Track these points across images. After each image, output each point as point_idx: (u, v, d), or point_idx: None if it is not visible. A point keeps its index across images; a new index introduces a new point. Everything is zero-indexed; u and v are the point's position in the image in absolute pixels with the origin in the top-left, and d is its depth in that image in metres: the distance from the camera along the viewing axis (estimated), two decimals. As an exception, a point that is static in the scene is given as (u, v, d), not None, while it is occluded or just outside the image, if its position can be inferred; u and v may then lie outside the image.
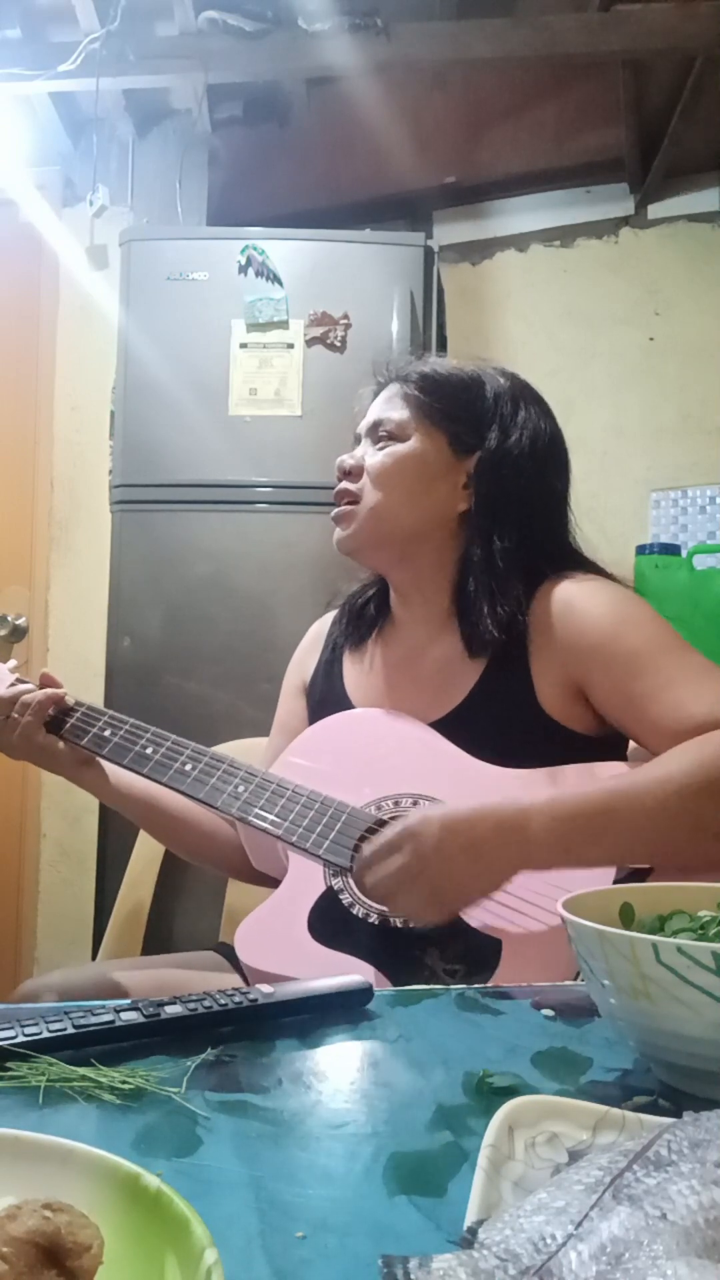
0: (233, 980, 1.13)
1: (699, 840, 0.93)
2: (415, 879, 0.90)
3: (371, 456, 1.17)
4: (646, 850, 0.95)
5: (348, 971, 0.89)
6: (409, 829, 0.91)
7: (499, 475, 1.14)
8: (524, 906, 0.96)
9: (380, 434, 1.18)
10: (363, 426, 1.21)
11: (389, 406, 1.19)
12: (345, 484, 1.18)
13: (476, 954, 0.95)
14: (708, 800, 0.92)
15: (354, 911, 1.01)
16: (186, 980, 1.16)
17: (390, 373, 1.22)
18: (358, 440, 1.22)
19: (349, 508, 1.17)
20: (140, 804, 1.22)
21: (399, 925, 0.99)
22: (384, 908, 1.00)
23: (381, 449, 1.17)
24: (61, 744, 1.17)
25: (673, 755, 0.95)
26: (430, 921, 0.94)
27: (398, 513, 1.15)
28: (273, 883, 1.10)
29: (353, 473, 1.18)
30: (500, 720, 1.09)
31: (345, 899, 1.02)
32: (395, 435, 1.16)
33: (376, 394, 1.23)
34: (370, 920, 1.00)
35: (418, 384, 1.18)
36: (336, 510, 1.18)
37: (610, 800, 0.93)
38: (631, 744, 1.10)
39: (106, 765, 1.19)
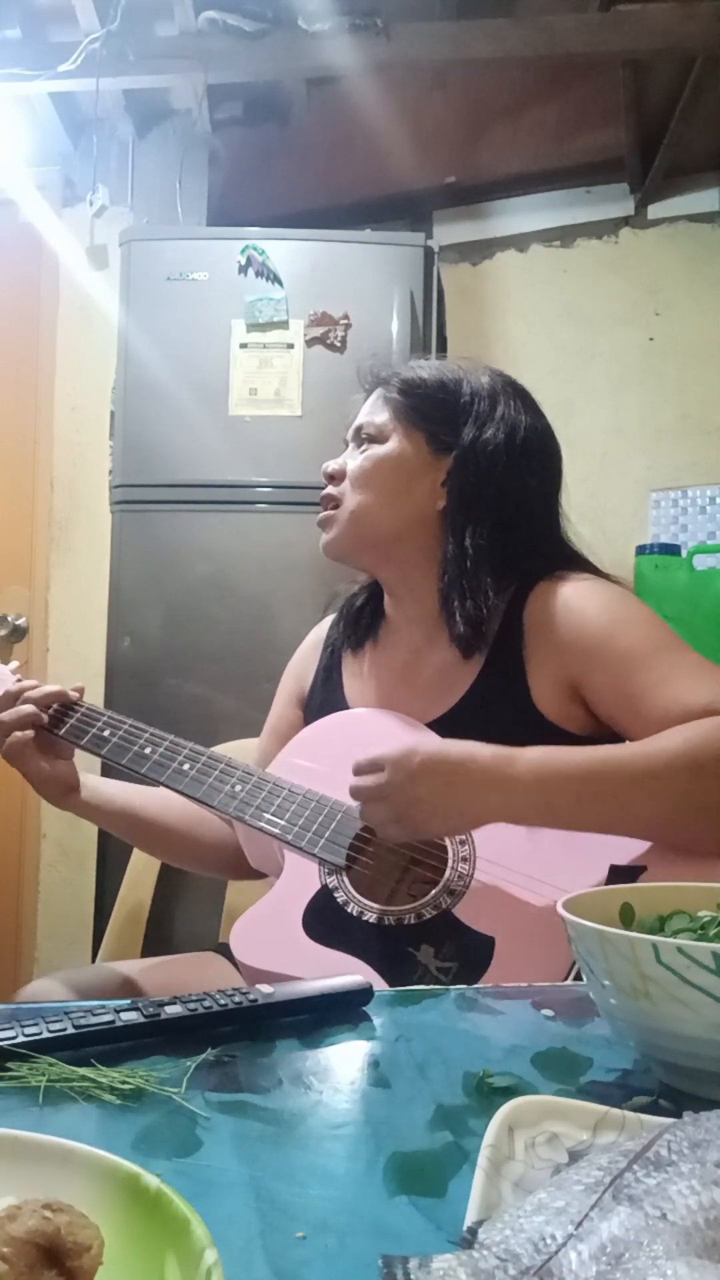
0: (234, 981, 1.13)
1: (685, 815, 0.94)
2: (385, 798, 0.95)
3: (353, 459, 1.20)
4: (632, 820, 0.96)
5: (342, 969, 0.90)
6: (396, 754, 0.96)
7: (472, 472, 1.15)
8: (516, 901, 0.97)
9: (362, 437, 1.20)
10: (349, 432, 1.23)
11: (371, 411, 1.21)
12: (329, 489, 1.20)
13: (470, 952, 0.96)
14: (697, 776, 0.93)
15: (349, 910, 1.01)
16: (193, 981, 1.16)
17: (374, 378, 1.24)
18: (346, 446, 1.24)
19: (331, 512, 1.20)
20: (123, 819, 1.23)
21: (393, 924, 0.99)
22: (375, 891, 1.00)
23: (362, 452, 1.19)
24: (48, 766, 1.16)
25: (666, 733, 0.97)
26: (393, 839, 1.00)
27: (377, 514, 1.16)
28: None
29: (335, 477, 1.20)
30: (496, 721, 1.09)
31: (340, 897, 1.02)
32: (375, 438, 1.18)
33: (365, 400, 1.24)
34: (365, 918, 1.00)
35: (397, 387, 1.20)
36: (320, 515, 1.21)
37: (599, 765, 0.95)
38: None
39: (86, 788, 1.19)
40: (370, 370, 1.26)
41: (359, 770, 0.98)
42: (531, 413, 1.20)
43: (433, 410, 1.17)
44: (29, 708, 1.15)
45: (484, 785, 0.95)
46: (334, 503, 1.20)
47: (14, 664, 1.24)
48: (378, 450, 1.17)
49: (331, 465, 1.21)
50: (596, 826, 0.97)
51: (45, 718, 1.16)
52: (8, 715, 1.14)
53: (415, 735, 1.11)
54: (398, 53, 2.43)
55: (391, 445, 1.17)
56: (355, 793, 0.98)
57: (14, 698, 1.16)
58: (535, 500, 1.18)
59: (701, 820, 0.94)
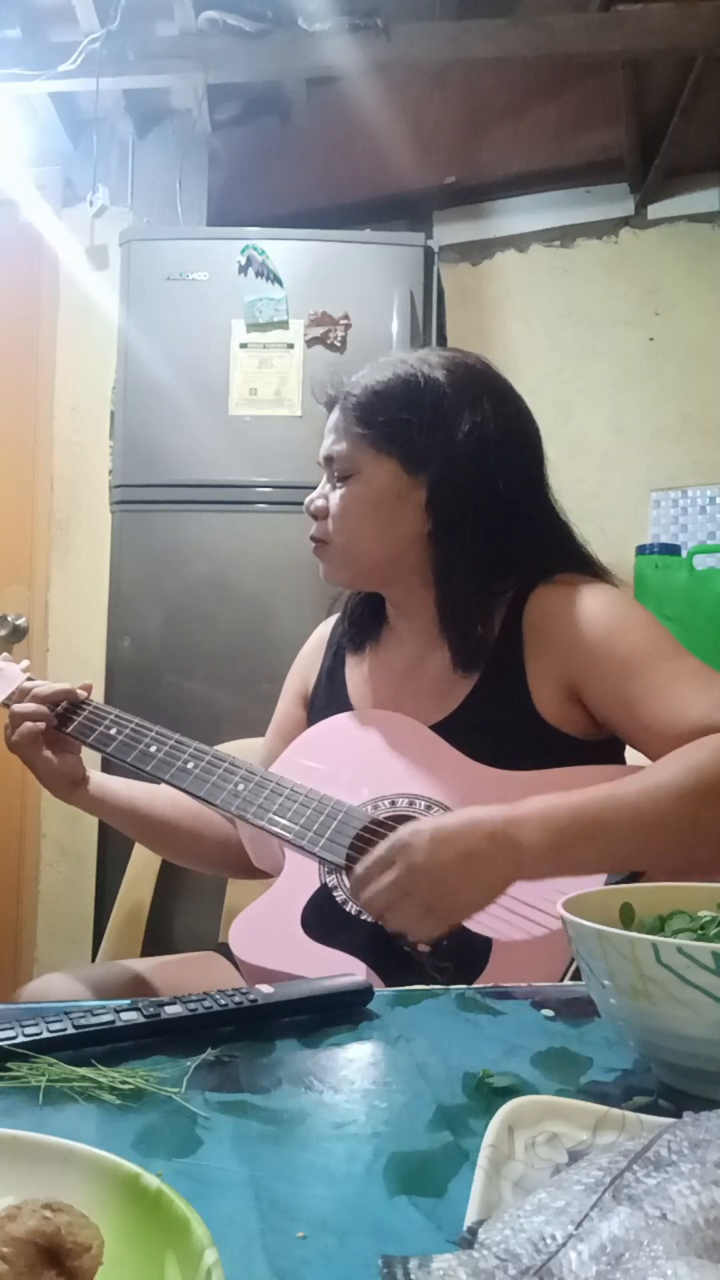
0: (235, 981, 1.13)
1: (693, 846, 0.93)
2: (409, 893, 0.89)
3: (332, 497, 1.16)
4: (641, 857, 0.95)
5: (340, 967, 0.89)
6: (400, 842, 0.90)
7: (450, 494, 1.11)
8: (519, 908, 0.96)
9: (334, 472, 1.16)
10: (320, 456, 1.18)
11: (335, 439, 1.16)
12: (315, 530, 1.17)
13: (467, 952, 0.96)
14: (702, 806, 0.92)
15: (347, 908, 1.02)
16: (193, 980, 1.16)
17: (330, 396, 1.18)
18: (323, 470, 1.19)
19: (323, 546, 1.17)
20: (127, 814, 1.24)
21: None
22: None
23: (338, 489, 1.15)
24: (56, 760, 1.17)
25: (667, 761, 0.95)
26: (426, 936, 0.93)
27: (366, 548, 1.14)
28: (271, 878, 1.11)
29: (318, 515, 1.17)
30: (496, 725, 1.09)
31: (339, 896, 1.02)
32: (346, 472, 1.14)
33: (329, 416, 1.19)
34: (363, 917, 1.00)
35: (355, 413, 1.14)
36: (313, 548, 1.19)
37: (604, 808, 0.92)
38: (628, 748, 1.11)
39: (93, 783, 1.21)
40: (326, 386, 1.19)
41: (366, 878, 0.91)
42: (496, 399, 1.14)
43: (397, 433, 1.12)
44: (37, 705, 1.17)
45: (495, 848, 0.90)
46: (323, 539, 1.17)
47: (25, 663, 1.25)
48: (354, 488, 1.13)
49: (315, 504, 1.17)
50: (607, 868, 0.95)
51: (54, 716, 1.18)
52: (19, 708, 1.16)
53: (417, 739, 1.11)
54: (398, 53, 2.43)
55: (365, 480, 1.13)
56: (372, 903, 0.91)
57: (24, 694, 1.18)
58: (520, 502, 1.14)
59: (706, 846, 0.93)
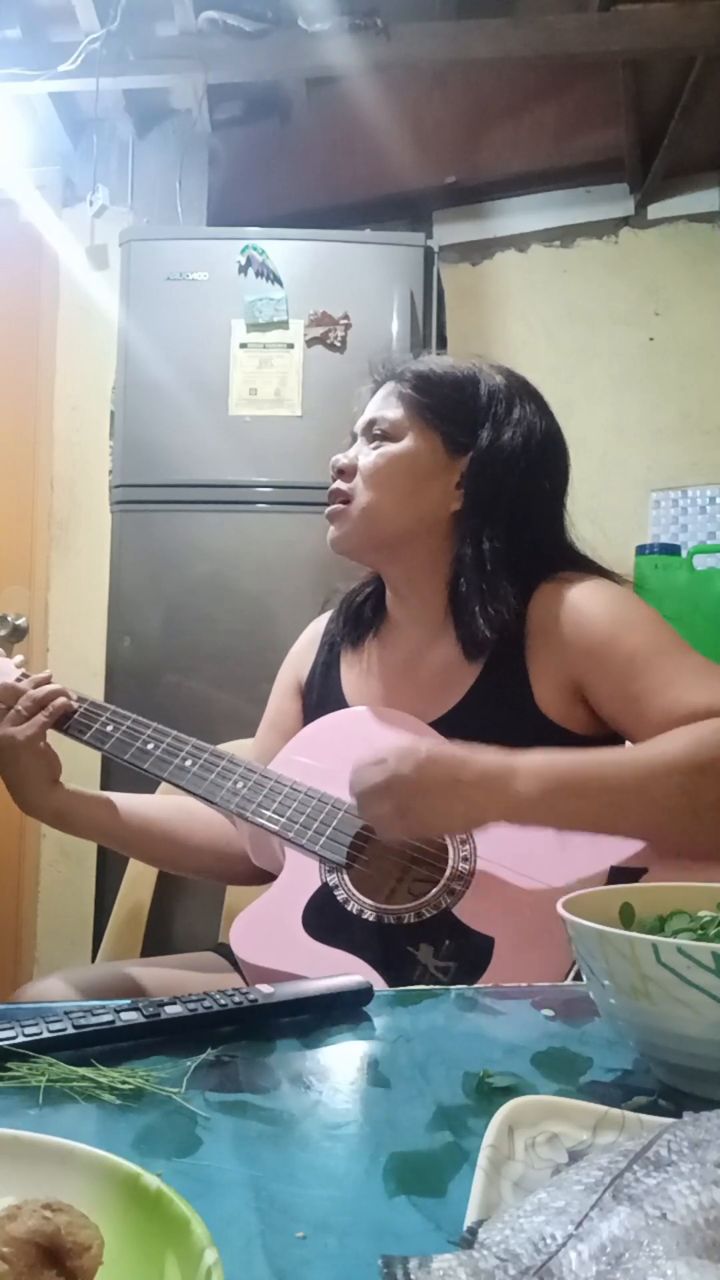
0: (234, 981, 1.13)
1: (686, 817, 0.94)
2: (386, 793, 0.95)
3: (365, 456, 1.17)
4: (633, 822, 0.96)
5: (341, 967, 0.90)
6: (400, 749, 0.96)
7: (490, 475, 1.14)
8: (516, 902, 0.97)
9: (375, 433, 1.18)
10: (359, 425, 1.21)
11: (384, 405, 1.19)
12: (339, 483, 1.18)
13: (469, 951, 0.96)
14: (698, 777, 0.93)
15: (348, 908, 1.01)
16: (193, 981, 1.16)
17: (386, 371, 1.22)
18: (354, 439, 1.22)
19: (341, 506, 1.17)
20: (104, 810, 1.19)
21: (392, 922, 0.99)
22: (377, 906, 1.00)
23: (375, 448, 1.17)
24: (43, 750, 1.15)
25: (667, 735, 0.97)
26: (391, 838, 1.01)
27: (389, 513, 1.15)
28: (269, 880, 1.10)
29: (346, 471, 1.18)
30: (497, 721, 1.09)
31: (340, 895, 1.02)
32: (389, 434, 1.16)
33: (374, 392, 1.22)
34: (364, 917, 1.00)
35: (412, 383, 1.17)
36: (329, 509, 1.19)
37: (602, 766, 0.96)
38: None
39: (70, 800, 1.17)
40: (383, 364, 1.24)
41: (360, 767, 0.98)
42: (545, 415, 1.19)
43: (450, 410, 1.16)
44: (42, 716, 1.14)
45: (485, 785, 0.94)
46: (343, 497, 1.17)
47: (19, 658, 1.24)
48: (393, 448, 1.15)
49: (342, 460, 1.18)
50: (596, 828, 0.97)
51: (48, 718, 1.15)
52: (23, 704, 1.14)
53: (418, 735, 1.11)
54: (398, 53, 2.43)
55: (407, 444, 1.15)
56: (356, 789, 0.98)
57: (14, 694, 1.15)
58: (546, 503, 1.18)
59: (702, 823, 0.94)
